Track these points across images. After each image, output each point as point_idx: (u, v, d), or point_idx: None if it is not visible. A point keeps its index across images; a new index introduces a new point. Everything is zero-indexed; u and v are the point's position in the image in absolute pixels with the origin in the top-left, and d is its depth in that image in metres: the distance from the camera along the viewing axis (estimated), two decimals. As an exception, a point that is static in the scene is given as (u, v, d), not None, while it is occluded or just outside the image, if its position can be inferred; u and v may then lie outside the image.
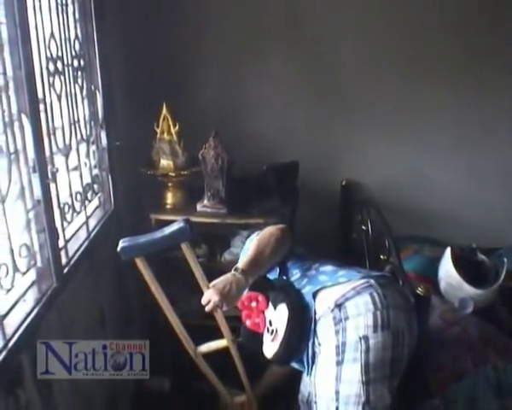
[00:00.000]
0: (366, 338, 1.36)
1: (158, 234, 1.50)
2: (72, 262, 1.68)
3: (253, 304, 1.54)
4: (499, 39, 2.47)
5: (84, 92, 1.89)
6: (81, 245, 1.80)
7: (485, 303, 2.03)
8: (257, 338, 1.57)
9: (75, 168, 1.83)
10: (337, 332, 1.40)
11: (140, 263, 1.51)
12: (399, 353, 1.39)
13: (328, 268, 1.58)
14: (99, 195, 2.08)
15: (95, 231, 1.92)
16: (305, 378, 1.70)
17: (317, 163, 2.67)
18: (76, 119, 1.79)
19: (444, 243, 2.44)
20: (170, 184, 2.35)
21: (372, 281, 1.45)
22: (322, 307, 1.46)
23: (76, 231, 1.82)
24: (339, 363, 1.38)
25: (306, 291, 1.52)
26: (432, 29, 2.48)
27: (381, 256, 2.14)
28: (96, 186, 2.01)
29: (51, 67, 1.56)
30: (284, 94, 2.63)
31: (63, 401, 1.55)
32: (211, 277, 2.50)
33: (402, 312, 1.42)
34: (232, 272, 1.48)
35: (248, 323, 1.56)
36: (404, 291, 1.58)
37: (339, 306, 1.41)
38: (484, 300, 2.02)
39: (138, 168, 2.29)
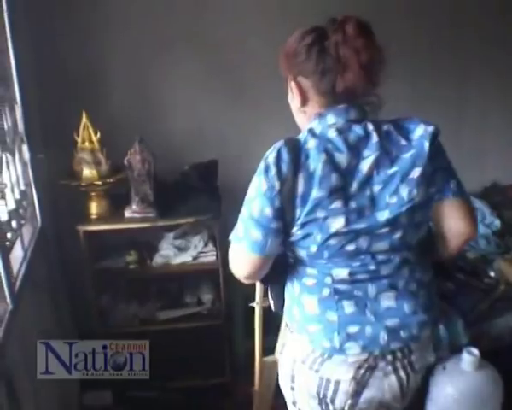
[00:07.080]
0: None
1: None
2: (18, 283, 1.60)
3: None
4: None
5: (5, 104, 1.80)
6: (21, 264, 1.72)
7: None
8: None
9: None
10: None
11: None
12: None
13: None
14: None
15: (30, 249, 1.84)
16: None
17: (231, 160, 2.75)
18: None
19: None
20: (93, 194, 2.28)
21: None
22: None
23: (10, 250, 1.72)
24: None
25: None
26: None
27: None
28: (24, 202, 1.91)
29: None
30: (194, 93, 2.68)
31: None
32: (143, 282, 2.50)
33: None
34: None
35: None
36: None
37: None
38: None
39: (60, 180, 2.20)
